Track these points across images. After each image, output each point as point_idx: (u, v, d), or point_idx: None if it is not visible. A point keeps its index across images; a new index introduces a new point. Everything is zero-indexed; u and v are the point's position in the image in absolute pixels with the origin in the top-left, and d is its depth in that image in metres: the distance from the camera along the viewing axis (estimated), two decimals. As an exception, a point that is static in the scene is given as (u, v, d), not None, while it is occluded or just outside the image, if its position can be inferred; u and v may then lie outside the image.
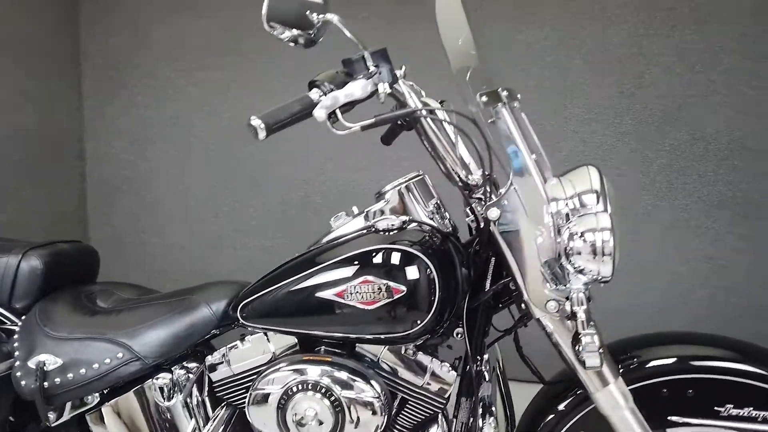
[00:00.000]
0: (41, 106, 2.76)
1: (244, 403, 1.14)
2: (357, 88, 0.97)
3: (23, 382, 1.13)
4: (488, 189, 1.03)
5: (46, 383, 1.11)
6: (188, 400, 1.17)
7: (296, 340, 1.12)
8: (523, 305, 1.06)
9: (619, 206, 0.99)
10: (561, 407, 1.10)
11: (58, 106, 2.87)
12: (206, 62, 2.89)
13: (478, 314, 1.09)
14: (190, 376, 1.17)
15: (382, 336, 1.01)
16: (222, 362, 1.14)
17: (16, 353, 1.16)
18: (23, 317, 1.23)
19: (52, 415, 1.13)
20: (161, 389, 1.16)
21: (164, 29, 2.91)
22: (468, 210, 1.13)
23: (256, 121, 0.93)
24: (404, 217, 1.08)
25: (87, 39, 3.01)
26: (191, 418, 1.17)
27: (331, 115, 0.99)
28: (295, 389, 1.02)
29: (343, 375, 1.01)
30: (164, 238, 3.03)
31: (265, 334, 1.13)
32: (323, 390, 1.01)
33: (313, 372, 1.02)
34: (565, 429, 1.08)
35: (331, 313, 1.02)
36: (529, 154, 0.98)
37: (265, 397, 1.04)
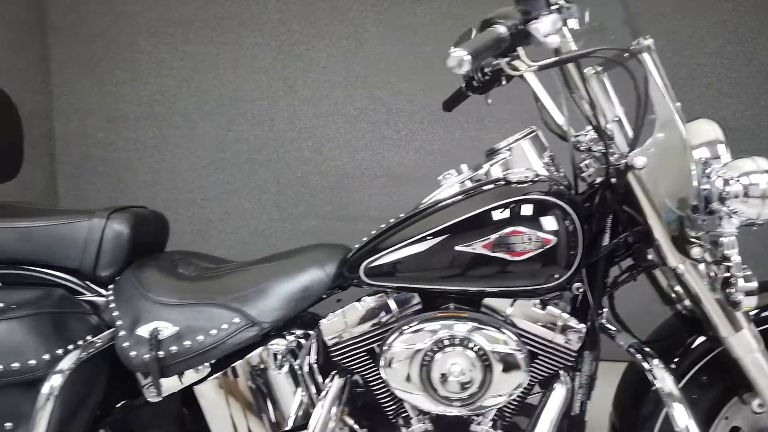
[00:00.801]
0: (2, 80, 2.50)
1: (360, 366, 1.10)
2: (548, 24, 0.94)
3: (133, 353, 1.02)
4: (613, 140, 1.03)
5: (161, 353, 1.01)
6: (296, 367, 1.11)
7: (418, 299, 1.09)
8: (649, 256, 1.08)
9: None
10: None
11: (23, 81, 2.61)
12: (192, 36, 2.73)
13: (598, 268, 1.11)
14: (302, 341, 1.11)
15: (526, 288, 1.01)
16: (339, 325, 1.09)
17: (118, 323, 1.05)
18: (110, 286, 1.11)
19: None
20: (275, 356, 1.09)
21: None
22: (583, 165, 1.13)
23: (458, 52, 0.87)
24: (535, 170, 1.07)
25: (54, 8, 2.76)
26: (298, 386, 1.11)
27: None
28: (441, 345, 0.99)
29: (490, 330, 0.99)
30: (147, 223, 2.84)
31: (385, 293, 1.08)
32: (471, 345, 0.98)
33: (460, 327, 0.99)
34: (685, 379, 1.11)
35: (475, 266, 1.00)
36: (673, 101, 1.00)
37: (406, 356, 1.00)
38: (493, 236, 0.98)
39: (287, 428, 1.09)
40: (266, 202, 2.81)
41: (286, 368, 1.10)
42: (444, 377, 0.99)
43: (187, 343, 1.03)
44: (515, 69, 1.00)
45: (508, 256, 0.98)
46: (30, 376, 0.94)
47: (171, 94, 2.77)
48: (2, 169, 1.22)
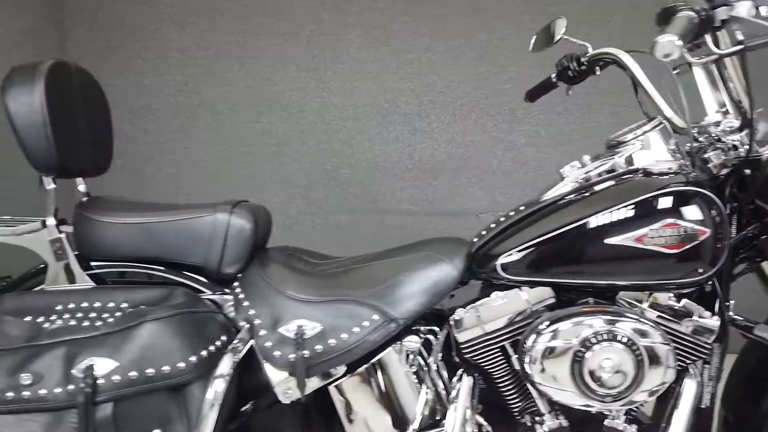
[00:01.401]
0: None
1: (491, 363, 1.07)
2: (744, 9, 0.91)
3: (277, 353, 0.97)
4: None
5: (306, 352, 0.97)
6: (423, 365, 1.08)
7: (552, 293, 1.07)
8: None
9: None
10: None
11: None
12: (217, 25, 2.64)
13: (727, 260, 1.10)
14: (432, 338, 1.07)
15: (670, 281, 1.00)
16: (471, 321, 1.06)
17: (257, 321, 0.99)
18: (235, 284, 1.05)
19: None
20: (408, 354, 1.05)
21: (168, -15, 2.63)
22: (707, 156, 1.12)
23: (666, 38, 0.84)
24: (676, 161, 1.06)
25: (71, -8, 2.63)
26: (423, 383, 1.08)
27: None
28: (594, 340, 0.97)
29: (639, 324, 0.98)
30: (170, 218, 2.75)
31: (519, 288, 1.06)
32: (624, 339, 0.97)
33: (611, 322, 0.98)
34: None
35: (625, 259, 0.98)
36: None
37: (557, 351, 0.98)
38: (647, 228, 0.96)
39: (416, 427, 1.06)
40: (295, 195, 2.74)
41: (414, 366, 1.07)
42: (597, 372, 0.97)
43: (332, 341, 0.99)
44: (700, 54, 0.97)
45: (662, 249, 0.96)
46: (178, 379, 0.89)
47: (195, 84, 2.68)
48: (96, 163, 1.14)
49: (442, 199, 2.75)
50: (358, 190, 2.75)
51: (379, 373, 1.04)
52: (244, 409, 1.06)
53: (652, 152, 1.10)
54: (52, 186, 1.04)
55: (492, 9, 2.63)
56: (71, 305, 0.97)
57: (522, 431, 1.11)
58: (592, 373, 0.97)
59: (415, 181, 2.74)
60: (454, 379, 1.09)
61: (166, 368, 0.89)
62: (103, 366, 0.87)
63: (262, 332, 0.99)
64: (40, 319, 0.96)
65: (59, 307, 0.97)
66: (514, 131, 2.70)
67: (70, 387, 0.86)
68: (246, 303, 1.02)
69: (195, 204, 1.09)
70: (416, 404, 1.07)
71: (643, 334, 0.98)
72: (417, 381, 1.08)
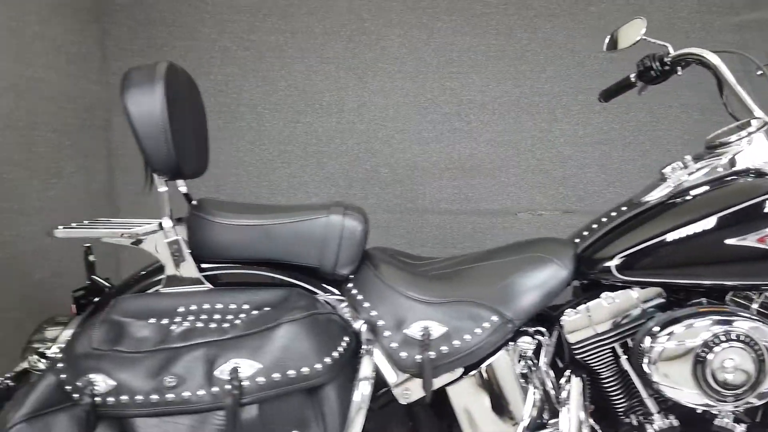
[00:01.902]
0: (66, 68, 2.35)
1: (601, 363, 1.08)
2: None
3: (403, 354, 0.98)
4: None
5: (432, 353, 0.97)
6: (532, 365, 1.09)
7: (662, 293, 1.08)
8: None
9: None
10: None
11: (82, 69, 2.46)
12: (258, 24, 2.64)
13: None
14: (542, 339, 1.08)
15: None
16: (582, 322, 1.07)
17: (380, 322, 1.00)
18: (349, 285, 1.06)
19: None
20: (521, 354, 1.06)
21: (208, -16, 2.62)
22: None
23: None
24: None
25: (109, -10, 2.62)
26: (529, 384, 1.09)
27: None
28: (718, 341, 0.98)
29: (759, 324, 0.99)
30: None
31: (630, 288, 1.07)
32: (746, 340, 0.98)
33: (733, 323, 0.99)
34: None
35: (745, 259, 0.99)
36: None
37: (679, 351, 0.99)
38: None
39: (525, 426, 1.07)
40: (335, 195, 2.74)
41: (525, 367, 1.07)
42: (720, 373, 0.98)
43: (456, 342, 0.99)
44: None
45: (786, 249, 0.97)
46: (315, 381, 0.89)
47: (236, 84, 2.67)
48: (199, 164, 1.14)
49: (481, 198, 2.75)
50: (398, 189, 2.76)
51: (494, 374, 1.05)
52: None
53: (759, 153, 1.10)
54: (165, 188, 1.03)
55: (533, 8, 2.64)
56: (193, 307, 0.97)
57: (626, 431, 1.12)
58: (714, 374, 0.98)
59: (454, 181, 2.75)
60: (562, 380, 1.10)
61: (305, 370, 0.89)
62: (247, 368, 0.87)
63: (387, 333, 0.99)
64: (164, 321, 0.96)
65: (181, 309, 0.97)
66: (553, 130, 2.71)
67: (214, 389, 0.86)
68: (366, 304, 1.02)
69: (300, 206, 1.09)
70: (525, 405, 1.08)
71: (761, 333, 0.99)
72: (525, 382, 1.09)
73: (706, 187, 1.07)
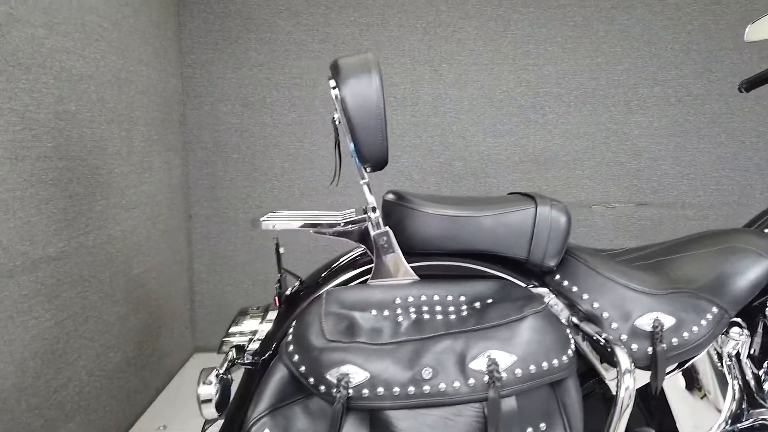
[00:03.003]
0: (154, 62, 2.32)
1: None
2: None
3: (634, 346, 0.97)
4: None
5: (664, 345, 0.96)
6: (733, 357, 1.08)
7: None
8: None
9: None
10: None
11: (161, 62, 2.44)
12: (334, 17, 2.61)
13: None
14: (743, 335, 1.08)
15: None
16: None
17: (605, 314, 0.99)
18: (557, 276, 1.05)
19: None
20: (731, 345, 1.05)
21: (283, -23, 2.59)
22: None
23: None
24: None
25: (183, -16, 2.59)
26: (733, 376, 1.08)
27: None
28: None
29: None
30: (285, 212, 2.72)
31: None
32: None
33: None
34: None
35: None
36: None
37: None
38: None
39: (724, 419, 1.07)
40: (409, 189, 2.73)
41: (733, 359, 1.07)
42: None
43: (686, 334, 0.99)
44: None
45: None
46: (561, 374, 0.88)
47: (311, 77, 2.65)
48: (379, 158, 1.12)
49: (555, 190, 2.75)
50: (471, 182, 2.75)
51: (705, 367, 1.04)
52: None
53: None
54: (366, 179, 1.02)
55: (610, 0, 2.63)
56: (410, 299, 0.96)
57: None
58: None
59: (528, 173, 2.74)
60: (760, 371, 1.10)
61: (555, 362, 0.88)
62: (504, 360, 0.86)
63: (615, 325, 0.98)
64: (386, 313, 0.94)
65: (398, 301, 0.96)
66: (628, 122, 2.71)
67: (471, 381, 0.85)
68: (586, 296, 1.01)
69: (498, 197, 1.08)
70: (726, 397, 1.07)
71: None
72: (728, 374, 1.08)
73: None
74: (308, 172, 2.71)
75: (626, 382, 0.89)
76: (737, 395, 1.07)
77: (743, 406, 1.08)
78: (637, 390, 1.05)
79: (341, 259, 1.11)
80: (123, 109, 1.96)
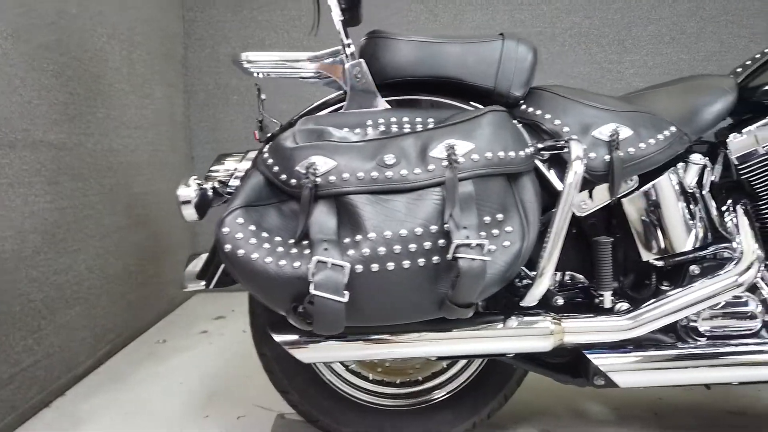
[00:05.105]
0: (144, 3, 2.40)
1: (763, 182, 1.11)
2: None
3: (592, 154, 1.01)
4: None
5: (620, 153, 1.01)
6: (697, 189, 1.11)
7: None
8: None
9: None
10: None
11: (163, 6, 2.51)
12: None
13: None
14: (707, 162, 1.11)
15: None
16: (749, 142, 1.10)
17: (565, 129, 1.03)
18: (522, 105, 1.09)
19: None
20: (692, 171, 1.09)
21: None
22: None
23: None
24: None
25: (185, -70, 2.67)
26: (697, 206, 1.11)
27: None
28: None
29: None
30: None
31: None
32: None
33: None
34: None
35: None
36: None
37: None
38: None
39: (692, 247, 1.09)
40: (407, 128, 2.77)
41: (693, 186, 1.10)
42: None
43: (642, 145, 1.02)
44: None
45: None
46: (518, 167, 0.92)
47: (309, 19, 2.71)
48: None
49: (551, 130, 2.78)
50: (469, 122, 2.78)
51: (667, 189, 1.07)
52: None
53: None
54: (340, 15, 1.07)
55: (605, -61, 2.67)
56: (381, 120, 1.01)
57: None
58: None
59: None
60: (723, 207, 1.13)
61: (512, 153, 0.92)
62: (463, 146, 0.90)
63: (574, 137, 1.02)
64: (357, 130, 0.99)
65: (369, 122, 1.00)
66: (623, 61, 2.73)
67: (431, 167, 0.89)
68: (548, 116, 1.05)
69: (473, 34, 1.12)
70: (694, 225, 1.10)
71: None
72: (695, 203, 1.11)
73: None
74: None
75: (574, 167, 0.93)
76: (699, 225, 1.10)
77: (708, 239, 1.11)
78: (598, 209, 1.09)
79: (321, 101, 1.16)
80: (124, 29, 2.03)
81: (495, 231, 0.90)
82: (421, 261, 0.87)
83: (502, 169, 0.91)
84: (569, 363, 1.11)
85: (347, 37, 1.09)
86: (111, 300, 1.87)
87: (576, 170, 0.93)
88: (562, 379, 1.11)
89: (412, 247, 0.86)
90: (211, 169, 1.11)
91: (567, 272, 1.11)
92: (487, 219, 0.90)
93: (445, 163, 0.89)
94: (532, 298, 0.97)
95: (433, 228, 0.87)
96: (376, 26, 2.71)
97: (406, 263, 0.86)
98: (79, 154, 1.70)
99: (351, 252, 0.86)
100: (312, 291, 0.83)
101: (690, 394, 1.45)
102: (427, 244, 0.87)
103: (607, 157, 1.01)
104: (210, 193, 1.04)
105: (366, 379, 1.23)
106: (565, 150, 0.97)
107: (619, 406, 1.41)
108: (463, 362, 1.21)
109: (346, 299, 0.84)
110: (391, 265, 0.86)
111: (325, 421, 1.18)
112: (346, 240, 0.88)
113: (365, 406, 1.19)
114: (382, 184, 0.89)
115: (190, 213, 1.01)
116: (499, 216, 0.91)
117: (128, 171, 2.02)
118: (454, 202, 0.86)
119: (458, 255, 0.84)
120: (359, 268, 0.86)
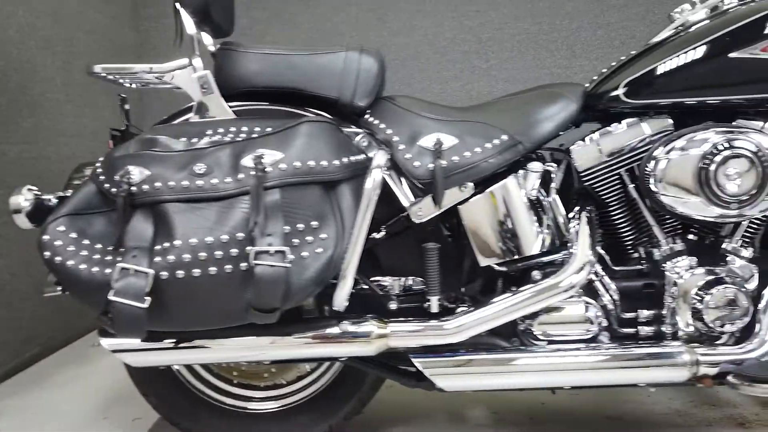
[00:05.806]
0: (101, 6, 2.46)
1: (609, 192, 1.12)
2: None
3: (416, 163, 1.04)
4: None
5: (443, 162, 1.03)
6: (543, 195, 1.12)
7: (671, 122, 1.11)
8: None
9: None
10: None
11: (114, 11, 2.57)
12: (280, -31, 2.73)
13: None
14: (552, 168, 1.12)
15: None
16: (591, 149, 1.11)
17: (395, 138, 1.06)
18: (366, 115, 1.12)
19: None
20: (530, 180, 1.10)
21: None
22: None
23: None
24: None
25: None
26: (544, 213, 1.12)
27: None
28: (719, 149, 1.01)
29: (764, 136, 1.02)
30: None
31: (639, 118, 1.11)
32: (750, 147, 1.01)
33: (740, 134, 1.02)
34: None
35: (751, 71, 1.02)
36: None
37: (683, 163, 1.02)
38: (770, 39, 1.00)
39: (536, 252, 1.11)
40: (357, 134, 2.81)
41: (535, 193, 1.11)
42: (723, 179, 1.01)
43: (467, 153, 1.05)
44: None
45: (790, 56, 1.00)
46: (332, 176, 0.95)
47: (260, 28, 2.76)
48: (222, 17, 1.20)
49: (502, 135, 2.78)
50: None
51: (503, 197, 1.09)
52: (378, 236, 1.11)
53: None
54: (194, 29, 1.11)
55: (551, -54, 2.67)
56: (220, 130, 1.04)
57: (634, 264, 1.15)
58: (718, 180, 1.01)
59: (475, 119, 2.78)
60: (570, 214, 1.14)
61: (324, 162, 0.95)
62: (270, 156, 0.94)
63: (402, 146, 1.05)
64: (194, 140, 1.03)
65: (209, 132, 1.04)
66: (572, 66, 2.73)
67: (240, 176, 0.93)
68: (382, 125, 1.08)
69: (322, 47, 1.16)
70: (536, 231, 1.11)
71: (761, 141, 1.01)
72: (538, 210, 1.12)
73: (708, 21, 1.10)
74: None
75: (373, 175, 0.96)
76: (540, 232, 1.11)
77: (555, 245, 1.12)
78: (442, 216, 1.10)
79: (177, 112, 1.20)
80: (59, 41, 2.09)
81: (309, 238, 0.93)
82: (228, 268, 0.90)
83: (313, 177, 0.94)
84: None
85: (199, 47, 1.13)
86: (39, 304, 1.93)
87: (375, 177, 0.96)
88: (408, 383, 1.12)
89: (218, 254, 0.90)
90: (71, 176, 1.15)
91: (409, 277, 1.13)
92: (301, 226, 0.93)
93: (253, 172, 0.92)
94: (339, 301, 1.00)
95: (240, 236, 0.90)
96: (329, 33, 2.78)
97: (213, 270, 0.89)
98: (2, 163, 1.77)
99: (158, 259, 0.90)
100: (110, 297, 0.87)
101: (575, 398, 1.45)
102: (234, 252, 0.90)
103: (431, 166, 1.03)
104: (54, 201, 1.08)
105: (231, 382, 1.26)
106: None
107: (499, 410, 1.42)
108: (323, 367, 1.23)
109: (146, 305, 0.87)
110: (197, 272, 0.89)
111: (185, 424, 1.21)
112: (158, 247, 0.91)
113: (226, 409, 1.22)
114: (194, 192, 0.92)
115: (22, 221, 1.05)
116: (314, 223, 0.94)
117: (63, 178, 2.08)
118: (258, 210, 0.89)
119: (257, 262, 0.87)
120: (164, 274, 0.89)
